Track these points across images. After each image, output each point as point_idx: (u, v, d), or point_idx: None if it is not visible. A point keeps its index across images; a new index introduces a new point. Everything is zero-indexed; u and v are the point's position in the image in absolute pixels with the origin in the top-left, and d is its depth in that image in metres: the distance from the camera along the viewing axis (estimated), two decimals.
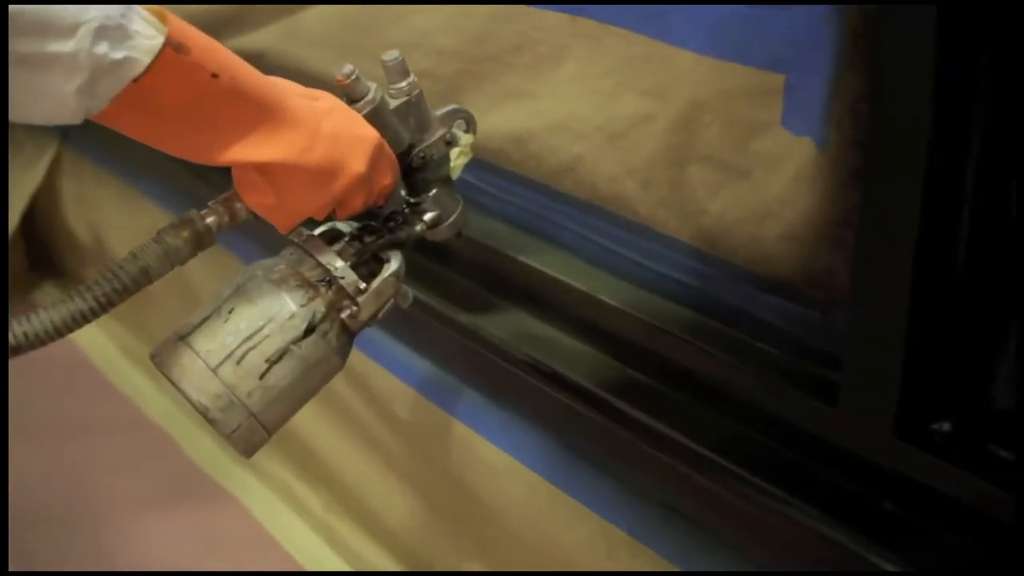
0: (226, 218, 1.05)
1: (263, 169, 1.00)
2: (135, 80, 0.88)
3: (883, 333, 1.02)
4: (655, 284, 1.31)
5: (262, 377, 1.05)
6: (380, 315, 1.13)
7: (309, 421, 1.89)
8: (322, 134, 1.02)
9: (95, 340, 2.55)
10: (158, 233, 1.03)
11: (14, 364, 2.42)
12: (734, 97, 1.17)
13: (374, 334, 1.69)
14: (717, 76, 1.18)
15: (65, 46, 0.83)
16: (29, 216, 2.67)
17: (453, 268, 1.57)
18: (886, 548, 1.06)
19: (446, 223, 1.22)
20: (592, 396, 1.34)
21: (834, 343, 1.12)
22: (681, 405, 1.27)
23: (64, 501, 2.03)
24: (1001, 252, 0.97)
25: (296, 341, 1.07)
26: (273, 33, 1.79)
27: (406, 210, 1.21)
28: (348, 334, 1.11)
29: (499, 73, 1.43)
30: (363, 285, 1.10)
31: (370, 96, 1.11)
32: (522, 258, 1.44)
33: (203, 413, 1.05)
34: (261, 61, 1.70)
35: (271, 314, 1.06)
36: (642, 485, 1.33)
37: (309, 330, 1.07)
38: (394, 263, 1.14)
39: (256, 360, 1.05)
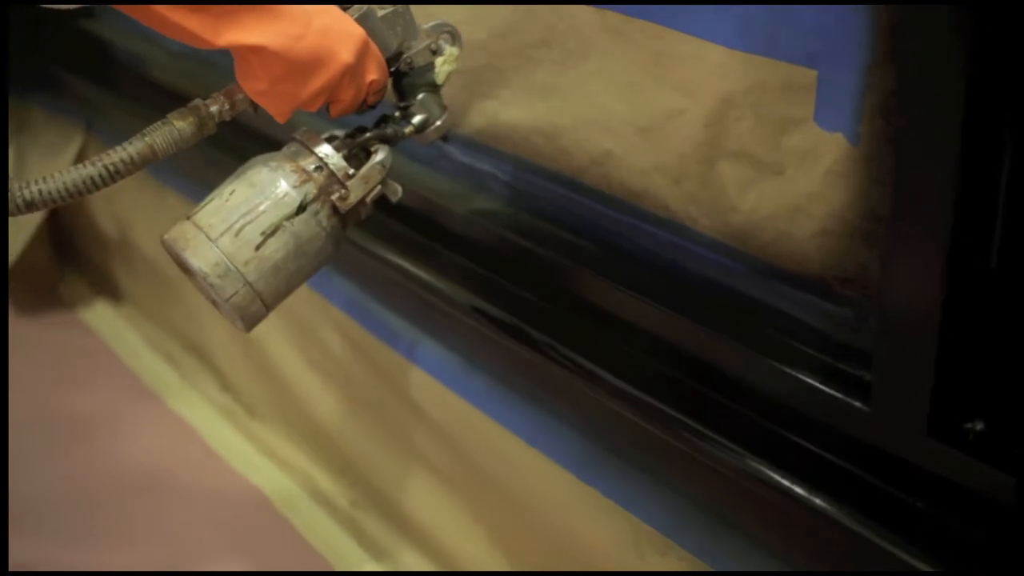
0: (227, 106, 1.19)
1: (259, 53, 1.11)
2: None
3: (916, 331, 1.01)
4: (684, 280, 1.30)
5: (258, 248, 1.19)
6: (369, 201, 1.26)
7: (337, 416, 1.89)
8: (313, 27, 1.13)
9: (120, 333, 2.55)
10: (167, 116, 1.16)
11: (38, 357, 2.46)
12: (765, 92, 1.16)
13: (403, 330, 1.69)
14: (748, 71, 1.17)
15: None
16: (54, 211, 2.67)
17: (477, 258, 1.56)
18: (918, 547, 1.06)
19: (432, 127, 1.33)
20: (623, 392, 1.33)
21: (866, 341, 1.11)
22: (712, 403, 1.26)
23: (86, 493, 2.03)
24: None
25: (289, 218, 1.20)
26: None
27: (396, 114, 1.33)
28: (338, 217, 1.24)
29: (525, 67, 1.42)
30: (352, 171, 1.24)
31: (358, 4, 1.23)
32: (551, 252, 1.43)
33: (204, 277, 1.18)
34: None
35: (267, 193, 1.20)
36: (674, 482, 1.32)
37: (301, 208, 1.21)
38: (381, 154, 1.27)
39: (252, 233, 1.19)
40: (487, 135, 1.49)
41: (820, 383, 1.15)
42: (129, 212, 2.46)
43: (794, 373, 1.17)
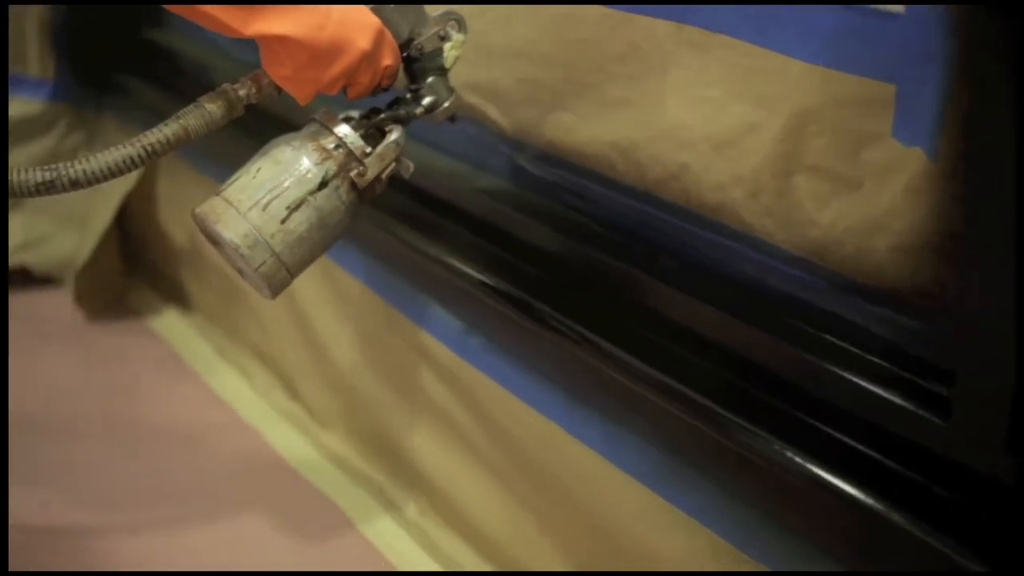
0: (253, 90, 1.30)
1: (284, 42, 1.23)
2: None
3: (995, 346, 1.02)
4: (760, 293, 1.30)
5: (283, 222, 1.31)
6: (384, 177, 1.37)
7: (407, 427, 1.90)
8: (333, 17, 1.25)
9: (189, 341, 2.58)
10: (198, 100, 1.27)
11: (108, 364, 2.48)
12: (843, 107, 1.17)
13: (472, 339, 1.70)
14: (826, 86, 1.18)
15: None
16: (124, 218, 2.70)
17: (552, 270, 1.57)
18: (999, 565, 1.05)
19: (441, 108, 1.43)
20: (696, 404, 1.34)
21: (943, 355, 1.11)
22: (787, 417, 1.26)
23: (156, 502, 2.05)
24: None
25: (312, 193, 1.32)
26: None
27: (407, 95, 1.43)
28: (356, 191, 1.36)
29: (604, 81, 1.43)
30: (368, 149, 1.35)
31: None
32: (626, 265, 1.44)
33: (234, 248, 1.30)
34: None
35: (291, 170, 1.32)
36: (746, 494, 1.32)
37: (323, 184, 1.33)
38: (395, 133, 1.38)
39: (279, 207, 1.31)
40: (562, 148, 1.51)
41: (896, 397, 1.15)
42: None
43: (870, 387, 1.18)
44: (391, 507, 1.98)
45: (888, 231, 1.14)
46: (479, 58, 1.61)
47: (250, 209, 1.30)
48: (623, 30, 1.40)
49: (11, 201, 2.87)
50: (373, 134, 1.37)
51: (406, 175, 1.42)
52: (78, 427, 2.26)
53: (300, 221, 1.32)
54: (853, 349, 1.20)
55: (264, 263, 1.31)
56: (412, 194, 1.81)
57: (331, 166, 1.33)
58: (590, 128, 1.46)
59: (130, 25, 2.60)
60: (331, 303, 2.07)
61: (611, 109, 1.43)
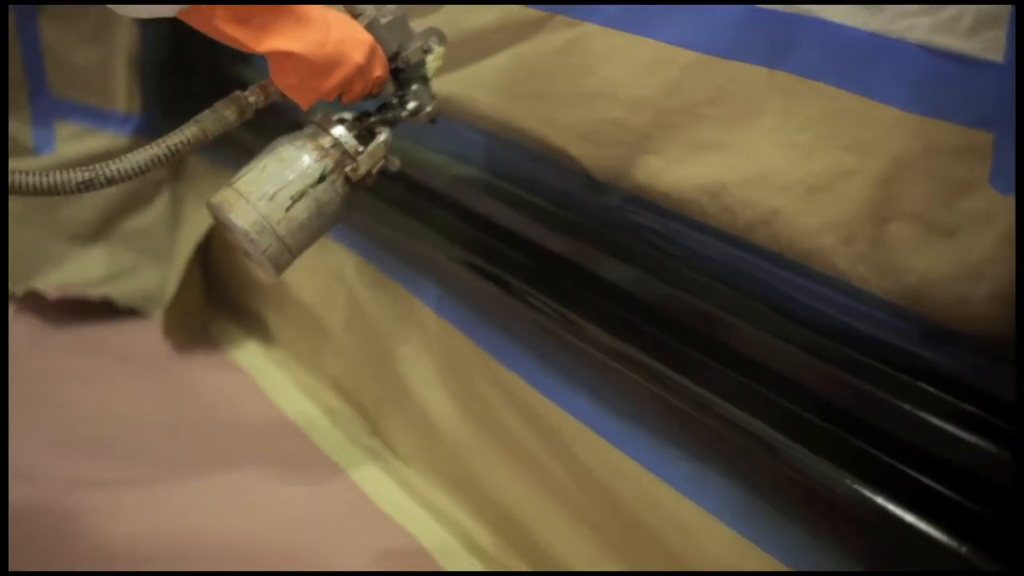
0: (262, 97, 1.49)
1: (290, 57, 1.41)
2: None
3: None
4: (852, 339, 1.29)
5: (287, 211, 1.49)
6: (374, 172, 1.55)
7: (490, 465, 1.91)
8: (332, 36, 1.43)
9: (270, 375, 2.60)
10: (214, 106, 1.46)
11: (191, 394, 2.51)
12: (939, 154, 1.16)
13: (556, 378, 1.71)
14: (921, 133, 1.17)
15: None
16: (207, 253, 2.73)
17: (637, 312, 1.57)
18: None
19: (424, 111, 1.61)
20: (784, 448, 1.34)
21: None
22: (878, 462, 1.26)
23: (236, 533, 2.07)
24: None
25: (312, 186, 1.51)
26: (458, 80, 1.82)
27: (394, 101, 1.60)
28: (349, 184, 1.54)
29: (692, 124, 1.43)
30: (361, 148, 1.54)
31: (367, 14, 1.52)
32: (714, 308, 1.44)
33: (245, 234, 1.48)
34: (447, 105, 1.75)
35: (294, 167, 1.51)
36: (835, 539, 1.32)
37: (321, 178, 1.52)
38: (384, 134, 1.57)
39: (283, 198, 1.49)
40: (650, 190, 1.51)
41: (991, 445, 1.14)
42: None
43: (963, 434, 1.17)
44: (472, 545, 1.99)
45: (984, 279, 1.13)
46: (566, 100, 1.62)
47: (259, 200, 1.49)
48: (713, 74, 1.40)
49: (96, 234, 2.93)
50: (364, 135, 1.56)
51: (393, 169, 1.59)
52: (157, 455, 2.29)
53: (301, 210, 1.51)
54: (946, 396, 1.20)
55: (270, 246, 1.50)
56: (486, 227, 1.83)
57: (328, 163, 1.52)
58: (679, 171, 1.46)
59: (214, 60, 2.64)
60: (412, 339, 2.08)
61: (700, 152, 1.43)
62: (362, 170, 1.54)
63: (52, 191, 1.37)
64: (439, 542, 2.02)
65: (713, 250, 1.45)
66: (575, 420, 1.67)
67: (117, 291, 2.88)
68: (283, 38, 1.40)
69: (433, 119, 1.62)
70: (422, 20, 1.85)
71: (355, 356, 2.29)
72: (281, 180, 1.50)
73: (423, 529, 2.06)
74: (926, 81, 1.17)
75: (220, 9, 1.35)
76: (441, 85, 1.85)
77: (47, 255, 2.91)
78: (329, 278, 2.32)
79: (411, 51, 1.59)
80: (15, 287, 2.88)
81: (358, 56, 1.47)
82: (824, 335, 1.33)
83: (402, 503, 2.13)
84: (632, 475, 1.58)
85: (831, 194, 1.27)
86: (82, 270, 2.92)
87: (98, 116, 2.80)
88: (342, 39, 1.45)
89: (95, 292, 2.87)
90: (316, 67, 1.44)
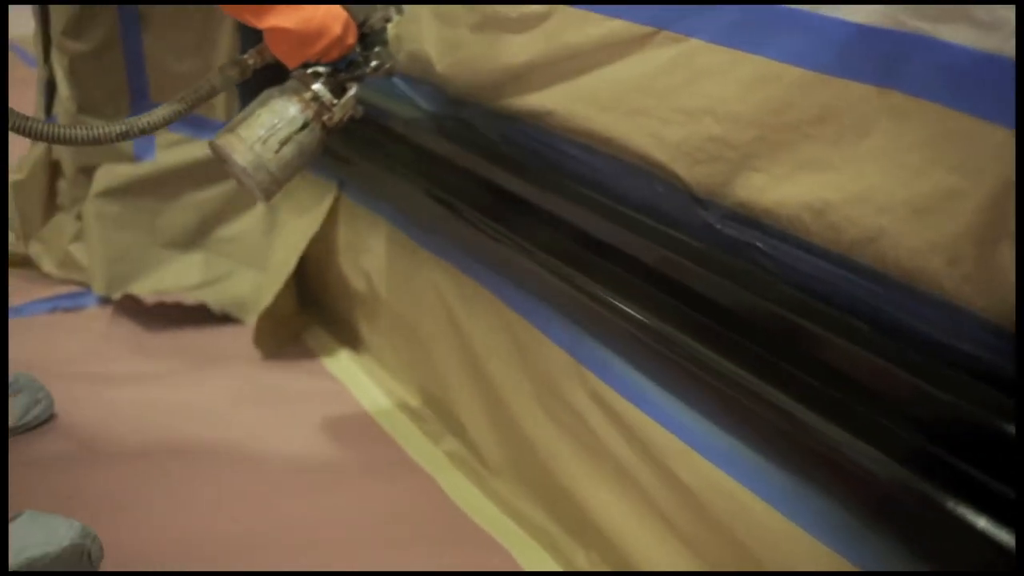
0: (259, 60, 1.89)
1: (285, 31, 1.80)
2: None
3: None
4: (954, 359, 1.29)
5: (277, 152, 1.88)
6: (344, 119, 1.93)
7: (580, 475, 1.91)
8: (317, 13, 1.82)
9: (361, 382, 2.63)
10: (220, 67, 1.89)
11: (285, 402, 2.54)
12: None
13: (653, 393, 1.71)
14: None
15: None
16: (301, 261, 2.77)
17: (737, 327, 1.57)
18: None
19: (383, 68, 1.96)
20: (886, 469, 1.33)
21: None
22: (978, 484, 1.24)
23: (322, 537, 2.09)
24: None
25: (297, 132, 1.89)
26: (560, 94, 1.83)
27: (360, 60, 1.94)
28: (325, 129, 1.92)
29: (798, 142, 1.43)
30: (335, 101, 1.90)
31: None
32: (816, 326, 1.44)
33: (243, 170, 1.87)
34: (550, 119, 1.76)
35: (282, 115, 1.88)
36: (939, 562, 1.30)
37: (304, 126, 1.89)
38: (354, 89, 1.92)
39: (274, 142, 1.87)
40: (752, 207, 1.51)
41: None
42: (377, 267, 2.55)
43: None
44: (561, 557, 2.00)
45: None
46: (668, 115, 1.62)
47: (255, 143, 1.87)
48: (819, 92, 1.40)
49: (192, 241, 2.98)
50: (336, 89, 1.91)
51: (357, 116, 1.96)
52: (246, 458, 2.34)
53: (288, 151, 1.88)
54: None
55: (263, 180, 1.89)
56: (583, 240, 1.84)
57: (310, 113, 1.89)
58: (782, 188, 1.46)
59: None
60: (506, 350, 2.10)
61: (805, 170, 1.43)
62: (336, 118, 1.91)
63: (95, 141, 1.78)
64: (524, 549, 2.05)
65: (815, 267, 1.44)
66: (672, 435, 1.67)
67: (212, 297, 2.92)
68: (279, 16, 1.79)
69: (391, 74, 2.00)
70: (531, 33, 1.88)
71: (447, 366, 2.30)
72: (272, 127, 1.87)
73: (508, 537, 2.07)
74: None
75: None
76: (542, 99, 1.87)
77: (144, 260, 2.97)
78: (423, 289, 2.34)
79: (375, 19, 1.94)
80: (112, 291, 2.93)
81: (336, 29, 1.84)
82: (926, 355, 1.32)
83: (491, 513, 2.14)
84: (730, 492, 1.57)
85: (938, 215, 1.27)
86: (178, 276, 2.97)
87: (197, 125, 2.85)
88: (325, 16, 1.83)
89: (190, 297, 2.91)
90: (304, 38, 1.82)
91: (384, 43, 1.97)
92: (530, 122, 1.95)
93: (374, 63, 1.95)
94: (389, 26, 1.98)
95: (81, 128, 1.76)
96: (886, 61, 1.33)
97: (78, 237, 3.07)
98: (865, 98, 1.35)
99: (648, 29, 1.65)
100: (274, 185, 1.91)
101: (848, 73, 1.37)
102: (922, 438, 1.32)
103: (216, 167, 2.86)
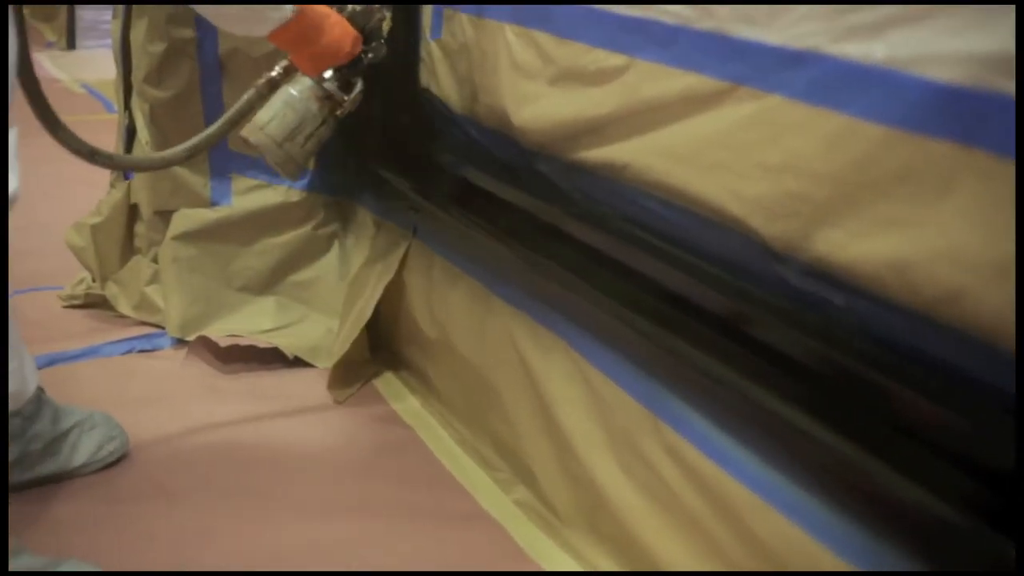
0: (284, 74, 2.30)
1: (311, 53, 2.19)
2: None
3: None
4: None
5: (302, 146, 2.29)
6: (351, 109, 2.30)
7: (653, 528, 1.91)
8: (335, 35, 2.19)
9: (433, 429, 2.64)
10: (254, 85, 2.31)
11: (355, 447, 2.56)
12: None
13: (726, 444, 1.71)
14: None
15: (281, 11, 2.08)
16: (376, 315, 2.79)
17: (814, 384, 1.57)
18: None
19: (378, 58, 2.33)
20: (960, 523, 1.32)
21: None
22: None
23: None
24: None
25: (317, 127, 2.29)
26: (637, 147, 1.84)
27: (361, 56, 2.29)
28: (336, 120, 2.31)
29: (878, 200, 1.43)
30: (345, 97, 2.29)
31: (349, 9, 2.26)
32: (893, 382, 1.44)
33: (274, 163, 2.28)
34: (626, 172, 1.77)
35: (304, 114, 2.27)
36: None
37: (323, 122, 2.29)
38: (360, 84, 2.30)
39: (300, 137, 2.28)
40: (830, 264, 1.51)
41: None
42: (450, 315, 2.57)
43: None
44: None
45: None
46: (746, 170, 1.63)
47: (284, 141, 2.27)
48: (901, 150, 1.40)
49: (266, 286, 3.01)
50: (344, 84, 2.28)
51: (359, 101, 2.32)
52: (314, 502, 2.36)
53: (310, 143, 2.30)
54: None
55: (290, 168, 2.31)
56: (657, 292, 1.84)
57: (325, 110, 2.28)
58: (862, 245, 1.46)
59: (386, 115, 2.70)
60: (579, 399, 2.10)
61: (885, 228, 1.43)
62: (346, 110, 2.29)
63: (166, 164, 2.45)
64: None
65: (892, 323, 1.44)
66: (745, 488, 1.67)
67: (284, 341, 2.95)
68: (327, 60, 2.24)
69: (379, 60, 2.34)
70: (608, 86, 1.89)
71: (518, 414, 2.31)
72: (297, 125, 2.26)
73: None
74: None
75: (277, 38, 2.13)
76: (619, 152, 1.89)
77: (219, 304, 3.01)
78: (497, 337, 2.35)
79: (372, 22, 2.31)
80: (187, 333, 2.97)
81: (348, 46, 2.23)
82: (1005, 414, 1.31)
83: (562, 563, 2.14)
84: (805, 549, 1.57)
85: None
86: (251, 320, 3.01)
87: (273, 171, 2.88)
88: (341, 36, 2.21)
89: (263, 340, 2.94)
90: (325, 55, 2.21)
91: (380, 39, 2.35)
92: (605, 174, 1.96)
93: (371, 55, 2.32)
94: (384, 24, 2.38)
95: (152, 157, 2.34)
96: (968, 119, 1.33)
97: (154, 279, 3.12)
98: (947, 156, 1.35)
99: (726, 84, 1.66)
100: (299, 170, 2.36)
101: (930, 131, 1.37)
102: (1003, 500, 1.31)
103: (291, 213, 2.93)
